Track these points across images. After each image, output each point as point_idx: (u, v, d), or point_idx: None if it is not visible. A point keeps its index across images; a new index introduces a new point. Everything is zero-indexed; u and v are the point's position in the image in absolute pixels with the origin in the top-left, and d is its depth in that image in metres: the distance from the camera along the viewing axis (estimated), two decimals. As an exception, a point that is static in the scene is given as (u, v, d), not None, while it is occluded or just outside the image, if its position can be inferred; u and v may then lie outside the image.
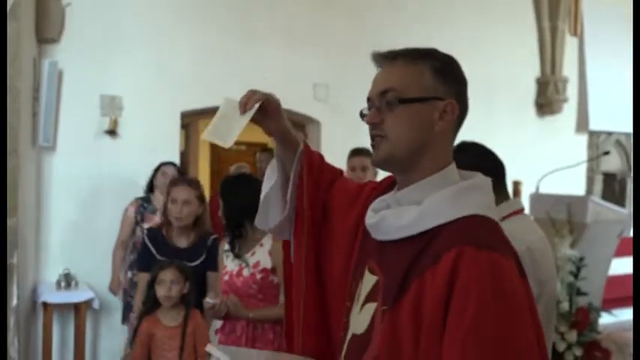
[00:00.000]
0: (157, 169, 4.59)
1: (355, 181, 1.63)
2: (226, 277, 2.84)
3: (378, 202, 1.30)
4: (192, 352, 2.96)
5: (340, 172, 1.60)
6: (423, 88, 1.20)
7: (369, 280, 1.25)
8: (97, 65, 4.98)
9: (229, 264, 2.86)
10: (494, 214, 1.19)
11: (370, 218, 1.27)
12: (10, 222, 3.59)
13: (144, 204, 4.48)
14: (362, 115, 1.27)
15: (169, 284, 2.94)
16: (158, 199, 4.46)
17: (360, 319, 1.23)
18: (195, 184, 3.36)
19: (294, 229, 1.49)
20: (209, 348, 1.19)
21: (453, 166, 1.23)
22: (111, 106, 5.04)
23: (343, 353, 1.27)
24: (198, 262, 3.19)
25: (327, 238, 1.48)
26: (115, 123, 5.03)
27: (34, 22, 4.61)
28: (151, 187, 4.58)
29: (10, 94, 3.59)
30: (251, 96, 1.36)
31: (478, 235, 1.10)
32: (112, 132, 5.03)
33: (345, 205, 1.47)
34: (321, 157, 1.55)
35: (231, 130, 1.36)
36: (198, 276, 3.13)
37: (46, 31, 4.74)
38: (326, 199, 1.51)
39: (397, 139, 1.20)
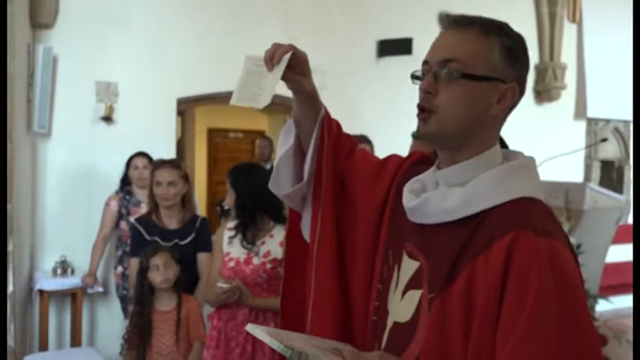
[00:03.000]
0: (128, 163, 4.54)
1: (373, 155, 1.54)
2: (232, 264, 2.81)
3: (414, 182, 1.23)
4: (185, 336, 2.98)
5: (356, 141, 1.51)
6: (489, 66, 1.11)
7: (409, 266, 1.19)
8: (92, 51, 4.94)
9: (234, 251, 2.83)
10: (542, 195, 1.12)
11: (409, 200, 1.19)
12: (5, 209, 3.57)
13: (126, 197, 4.45)
14: (413, 77, 1.18)
15: (163, 268, 2.96)
16: (138, 192, 4.44)
17: (402, 306, 1.17)
18: (177, 165, 3.40)
19: (312, 199, 1.40)
20: (249, 327, 1.11)
21: (498, 146, 1.17)
22: (106, 92, 5.00)
23: (384, 340, 1.20)
24: (188, 240, 3.23)
25: (347, 213, 1.39)
26: (110, 109, 4.99)
27: (28, 7, 4.55)
28: (125, 181, 4.55)
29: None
30: (277, 49, 1.25)
31: (534, 220, 1.03)
32: (107, 118, 5.00)
33: (368, 180, 1.40)
34: (339, 125, 1.46)
35: (262, 90, 1.24)
36: (188, 256, 3.16)
37: (40, 17, 4.69)
38: (344, 169, 1.43)
39: (448, 116, 1.11)
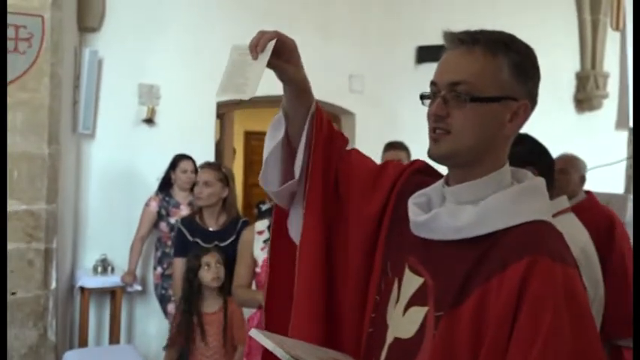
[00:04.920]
0: (173, 165, 4.60)
1: (369, 157, 1.49)
2: None
3: (419, 195, 1.21)
4: (230, 339, 3.02)
5: (347, 139, 1.45)
6: (499, 86, 1.09)
7: (412, 281, 1.16)
8: (136, 54, 5.05)
9: None
10: (551, 219, 1.11)
11: (417, 215, 1.16)
12: (50, 207, 3.68)
13: (166, 198, 4.53)
14: (422, 98, 1.17)
15: (214, 267, 3.01)
16: (178, 194, 4.51)
17: (404, 322, 1.14)
18: (216, 167, 3.50)
19: (303, 198, 1.34)
20: (253, 333, 1.10)
21: (507, 165, 1.15)
22: (149, 94, 5.10)
23: (383, 355, 1.17)
24: (228, 242, 3.30)
25: (340, 216, 1.35)
26: (152, 112, 5.09)
27: (76, 11, 4.69)
28: (167, 182, 4.60)
29: (53, 82, 3.68)
30: (261, 36, 1.21)
31: (549, 245, 1.03)
32: (149, 121, 5.10)
33: (365, 185, 1.35)
34: (330, 121, 1.40)
35: (247, 79, 1.19)
36: (229, 258, 3.21)
37: (87, 20, 4.83)
38: (338, 169, 1.38)
39: (462, 138, 1.10)
